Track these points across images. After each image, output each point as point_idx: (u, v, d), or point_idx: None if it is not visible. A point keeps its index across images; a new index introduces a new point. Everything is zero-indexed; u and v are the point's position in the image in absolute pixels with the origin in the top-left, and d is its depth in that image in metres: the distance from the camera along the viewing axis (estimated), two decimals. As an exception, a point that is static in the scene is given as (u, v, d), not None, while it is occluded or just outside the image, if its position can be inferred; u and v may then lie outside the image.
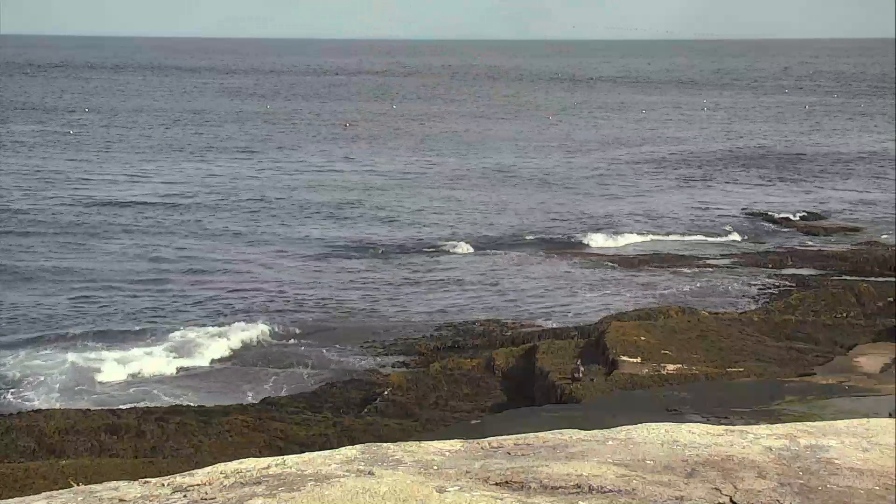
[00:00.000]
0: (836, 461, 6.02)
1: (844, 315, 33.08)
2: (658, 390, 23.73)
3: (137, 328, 35.84)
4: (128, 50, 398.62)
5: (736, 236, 52.72)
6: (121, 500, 5.40)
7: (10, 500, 5.70)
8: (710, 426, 6.70)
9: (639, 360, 26.27)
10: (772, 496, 5.48)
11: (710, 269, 44.38)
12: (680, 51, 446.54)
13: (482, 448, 6.23)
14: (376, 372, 30.85)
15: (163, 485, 5.61)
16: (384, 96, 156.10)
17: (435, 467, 5.78)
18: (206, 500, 5.31)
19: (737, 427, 6.79)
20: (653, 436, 6.39)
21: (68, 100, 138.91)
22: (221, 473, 5.70)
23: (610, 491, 5.47)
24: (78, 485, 5.90)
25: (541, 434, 6.47)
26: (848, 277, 41.62)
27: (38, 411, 26.27)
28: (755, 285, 41.57)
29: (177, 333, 34.99)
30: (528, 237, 51.18)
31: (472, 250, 48.36)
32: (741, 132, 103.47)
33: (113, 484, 5.67)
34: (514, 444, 6.27)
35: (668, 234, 52.80)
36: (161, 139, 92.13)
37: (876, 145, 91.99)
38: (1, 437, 23.96)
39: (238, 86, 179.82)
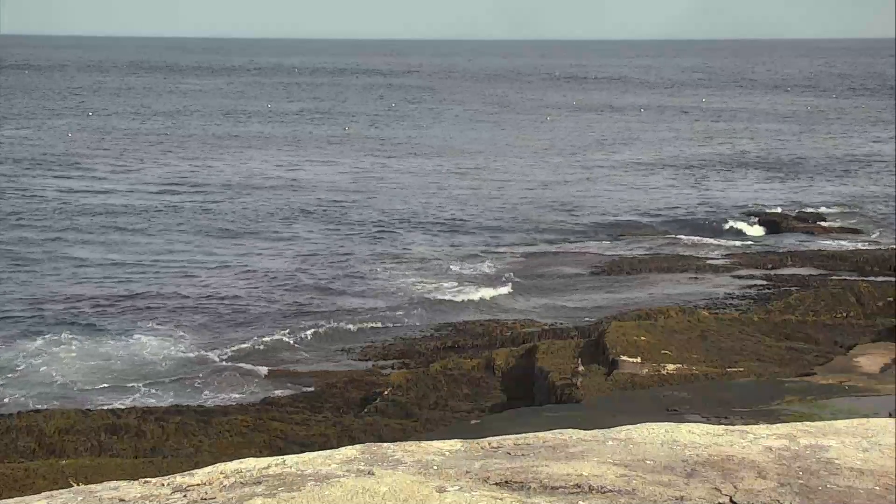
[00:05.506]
0: (836, 461, 6.02)
1: (844, 315, 33.04)
2: (658, 390, 23.73)
3: (135, 326, 35.83)
4: (111, 51, 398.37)
5: (735, 237, 52.68)
6: (121, 500, 5.40)
7: (10, 500, 5.70)
8: (710, 426, 6.70)
9: (639, 360, 26.25)
10: (772, 496, 5.48)
11: (710, 270, 44.35)
12: (679, 52, 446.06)
13: (482, 448, 6.22)
14: (376, 372, 30.83)
15: (163, 485, 5.61)
16: (383, 96, 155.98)
17: (435, 467, 5.78)
18: (206, 500, 5.31)
19: (737, 427, 6.79)
20: (653, 436, 6.39)
21: (70, 100, 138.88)
22: (221, 473, 5.70)
23: (610, 491, 5.47)
24: (78, 485, 5.90)
25: (541, 434, 6.47)
26: (848, 277, 41.59)
27: (38, 411, 26.25)
28: (755, 285, 41.53)
29: (175, 333, 34.99)
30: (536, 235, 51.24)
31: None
32: (740, 132, 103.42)
33: (113, 484, 5.68)
34: (514, 444, 6.27)
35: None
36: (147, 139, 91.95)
37: (876, 145, 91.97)
38: (1, 437, 23.96)
39: (241, 87, 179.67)
